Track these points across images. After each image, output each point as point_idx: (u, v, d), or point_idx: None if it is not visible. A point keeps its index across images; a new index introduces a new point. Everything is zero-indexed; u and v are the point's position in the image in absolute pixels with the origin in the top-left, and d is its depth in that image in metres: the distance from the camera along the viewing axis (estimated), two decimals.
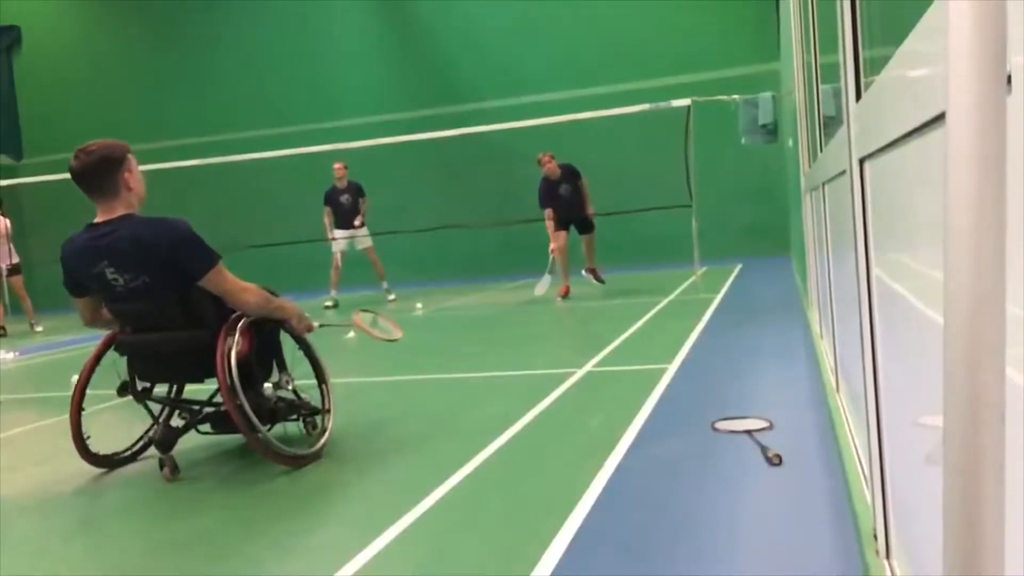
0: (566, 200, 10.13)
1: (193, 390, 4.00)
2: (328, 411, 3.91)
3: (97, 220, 3.54)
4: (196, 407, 3.81)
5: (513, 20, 16.55)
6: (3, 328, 11.50)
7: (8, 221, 11.72)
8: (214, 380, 3.57)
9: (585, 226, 10.33)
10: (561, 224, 10.14)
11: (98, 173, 3.47)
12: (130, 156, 3.58)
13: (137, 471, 3.72)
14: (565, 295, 10.14)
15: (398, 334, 4.62)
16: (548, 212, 10.07)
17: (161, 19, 18.75)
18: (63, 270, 3.64)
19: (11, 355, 9.04)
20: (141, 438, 3.93)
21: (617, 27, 15.87)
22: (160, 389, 3.91)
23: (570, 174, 10.16)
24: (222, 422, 3.77)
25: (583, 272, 10.42)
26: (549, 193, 10.11)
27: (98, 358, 3.75)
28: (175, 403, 3.85)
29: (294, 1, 17.75)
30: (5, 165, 19.10)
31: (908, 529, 1.71)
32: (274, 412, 3.73)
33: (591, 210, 10.28)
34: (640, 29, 15.75)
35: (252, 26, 18.14)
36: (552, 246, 10.09)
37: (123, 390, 3.75)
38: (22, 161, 19.86)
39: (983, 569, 0.60)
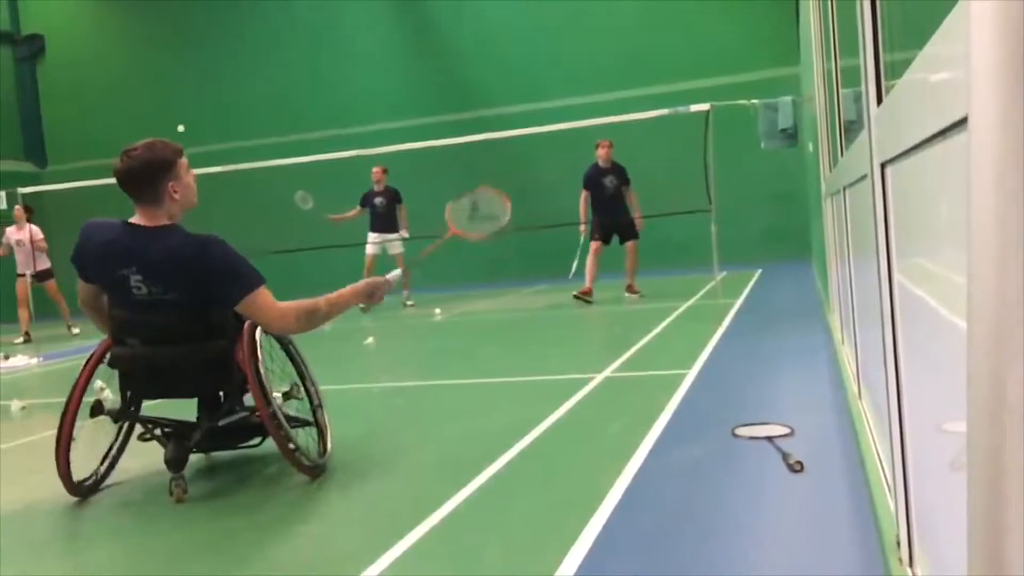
0: (609, 193, 10.29)
1: (152, 407, 3.70)
2: (320, 406, 3.76)
3: (135, 221, 3.34)
4: (199, 425, 3.50)
5: (532, 26, 16.58)
6: (27, 334, 11.63)
7: (37, 228, 11.84)
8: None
9: (628, 232, 10.39)
10: (602, 231, 10.24)
11: (141, 178, 3.28)
12: (180, 161, 3.36)
13: (157, 481, 3.70)
14: (583, 295, 10.19)
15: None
16: (584, 195, 10.30)
17: (181, 28, 18.94)
18: (79, 251, 3.39)
19: (35, 360, 9.14)
20: (102, 463, 3.56)
21: (636, 32, 15.87)
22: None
23: (619, 171, 10.38)
24: (216, 438, 3.56)
25: (625, 294, 10.39)
26: (593, 179, 10.34)
27: (90, 376, 3.43)
28: (173, 423, 3.54)
29: (314, 9, 17.87)
30: (29, 172, 19.33)
31: (932, 536, 1.69)
32: (260, 426, 3.57)
33: (638, 214, 10.42)
34: (659, 34, 15.74)
35: (272, 34, 18.29)
36: (583, 228, 10.30)
37: (96, 411, 3.40)
38: (46, 168, 20.10)
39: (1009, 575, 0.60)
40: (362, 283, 3.56)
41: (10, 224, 12.34)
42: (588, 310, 9.93)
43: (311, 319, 3.36)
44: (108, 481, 3.57)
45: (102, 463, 3.55)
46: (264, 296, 3.28)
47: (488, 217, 3.82)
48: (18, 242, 11.71)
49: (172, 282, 3.25)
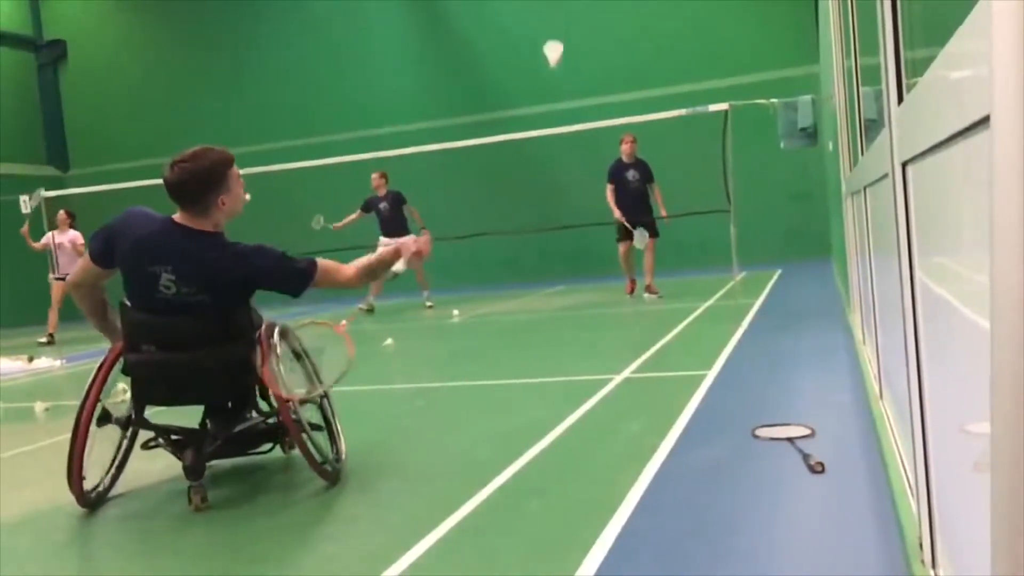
0: (632, 187, 10.36)
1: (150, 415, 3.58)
2: (325, 396, 3.71)
3: (178, 219, 3.30)
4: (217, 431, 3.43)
5: (548, 26, 16.54)
6: (52, 336, 11.75)
7: (78, 234, 11.96)
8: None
9: (648, 230, 10.45)
10: (624, 228, 10.33)
11: (191, 190, 3.24)
12: (230, 172, 3.32)
13: (169, 488, 3.71)
14: (631, 292, 10.60)
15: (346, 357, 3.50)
16: (610, 188, 10.40)
17: (201, 33, 19.09)
18: (114, 232, 3.32)
19: (58, 362, 9.23)
20: (108, 471, 3.48)
21: (654, 32, 15.83)
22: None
23: (643, 166, 10.46)
24: (228, 445, 3.47)
25: (644, 295, 10.41)
26: (617, 173, 10.45)
27: (101, 389, 3.34)
28: (184, 431, 3.49)
29: (332, 12, 17.94)
30: (52, 176, 19.54)
31: (955, 538, 1.68)
32: (270, 432, 3.55)
33: (663, 212, 10.49)
34: (677, 33, 15.69)
35: (290, 38, 18.39)
36: (617, 214, 10.34)
37: (104, 419, 3.33)
38: (68, 172, 20.31)
39: None
40: (390, 248, 3.70)
41: (32, 228, 12.77)
42: (606, 311, 9.93)
43: (370, 275, 3.57)
44: (120, 488, 3.54)
45: (108, 471, 3.48)
46: (325, 271, 3.37)
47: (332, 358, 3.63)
48: (59, 245, 11.91)
49: (208, 287, 3.24)
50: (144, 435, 3.55)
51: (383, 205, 11.59)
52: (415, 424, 4.68)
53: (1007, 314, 0.60)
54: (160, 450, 3.57)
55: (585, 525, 2.65)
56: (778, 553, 2.42)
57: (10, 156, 18.81)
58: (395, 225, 11.63)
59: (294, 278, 3.33)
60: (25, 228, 12.60)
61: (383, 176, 11.70)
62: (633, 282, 10.67)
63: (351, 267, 3.48)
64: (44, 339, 11.64)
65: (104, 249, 3.35)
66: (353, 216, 11.79)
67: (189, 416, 3.60)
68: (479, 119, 16.43)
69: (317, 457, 3.36)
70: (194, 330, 3.28)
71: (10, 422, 5.78)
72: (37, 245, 12.27)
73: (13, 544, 3.08)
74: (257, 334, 3.40)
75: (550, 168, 16.09)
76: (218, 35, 18.96)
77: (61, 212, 12.16)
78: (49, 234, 12.18)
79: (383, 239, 11.70)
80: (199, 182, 3.25)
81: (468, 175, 16.55)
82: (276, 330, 3.47)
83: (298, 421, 3.33)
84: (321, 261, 3.39)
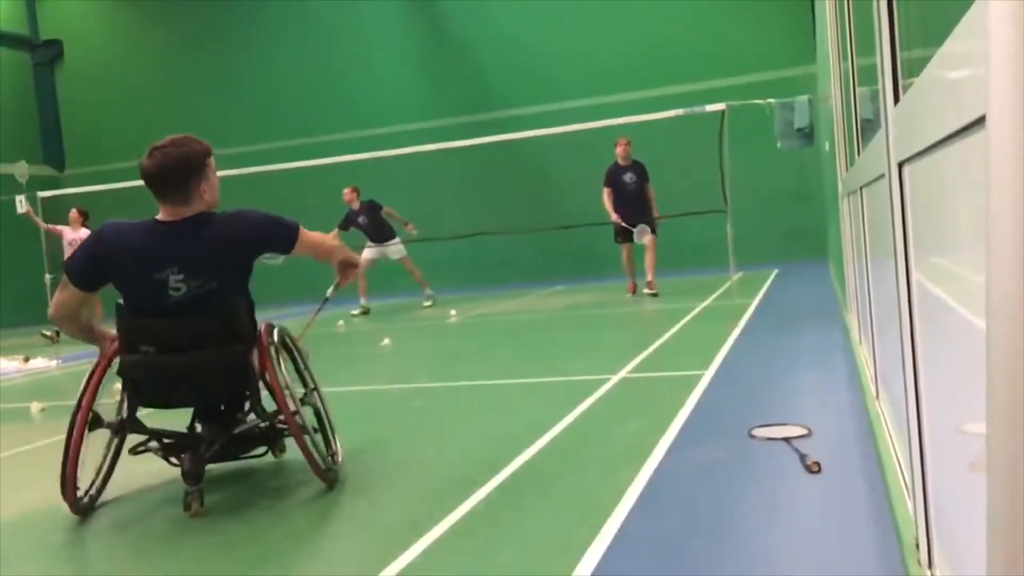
0: (630, 190, 10.44)
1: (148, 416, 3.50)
2: (315, 389, 3.66)
3: (162, 218, 3.24)
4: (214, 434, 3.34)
5: (546, 26, 16.58)
6: (57, 333, 11.73)
7: (89, 232, 12.01)
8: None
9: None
10: (624, 231, 10.40)
11: (172, 177, 3.18)
12: (209, 161, 3.29)
13: (166, 491, 3.68)
14: (633, 292, 10.73)
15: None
16: (607, 192, 10.47)
17: (198, 32, 19.07)
18: (91, 256, 3.25)
19: (54, 362, 9.22)
20: (97, 475, 3.40)
21: (651, 32, 15.84)
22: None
23: (639, 168, 10.54)
24: (223, 448, 3.39)
25: (644, 291, 10.45)
26: (614, 177, 10.53)
27: (95, 395, 3.28)
28: (178, 435, 3.41)
29: (330, 12, 17.93)
30: (48, 176, 19.51)
31: (951, 538, 1.68)
32: (264, 435, 3.52)
33: (656, 212, 10.59)
34: (675, 34, 15.70)
35: (288, 38, 18.37)
36: (614, 217, 10.41)
37: (96, 423, 3.26)
38: (64, 172, 20.29)
39: None
40: (355, 257, 3.75)
41: (29, 227, 12.98)
42: (604, 311, 9.93)
43: (345, 260, 3.63)
44: (115, 490, 3.49)
45: (99, 474, 3.40)
46: (309, 233, 3.46)
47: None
48: (70, 242, 11.93)
49: (215, 271, 3.20)
50: (132, 439, 3.45)
51: (361, 219, 11.62)
52: (413, 424, 4.68)
53: (1003, 314, 0.60)
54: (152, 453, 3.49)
55: (583, 524, 2.65)
56: (774, 553, 2.42)
57: (6, 156, 18.77)
58: (379, 233, 11.68)
59: (282, 230, 3.37)
60: (28, 209, 12.69)
61: (355, 190, 11.66)
62: (635, 284, 10.78)
63: (333, 241, 3.64)
64: (49, 332, 11.65)
65: (91, 272, 3.28)
66: (332, 235, 11.70)
67: (177, 419, 3.55)
68: (479, 119, 16.42)
69: (320, 463, 3.31)
70: (195, 330, 3.21)
71: (7, 422, 5.77)
72: (45, 225, 12.35)
73: (10, 545, 3.07)
74: (257, 334, 3.38)
75: (549, 168, 16.08)
76: (216, 35, 18.94)
77: (73, 211, 12.16)
78: (63, 229, 12.16)
79: (369, 244, 11.73)
80: (182, 169, 3.20)
81: (467, 175, 16.53)
82: (275, 332, 3.46)
83: (302, 426, 3.29)
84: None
